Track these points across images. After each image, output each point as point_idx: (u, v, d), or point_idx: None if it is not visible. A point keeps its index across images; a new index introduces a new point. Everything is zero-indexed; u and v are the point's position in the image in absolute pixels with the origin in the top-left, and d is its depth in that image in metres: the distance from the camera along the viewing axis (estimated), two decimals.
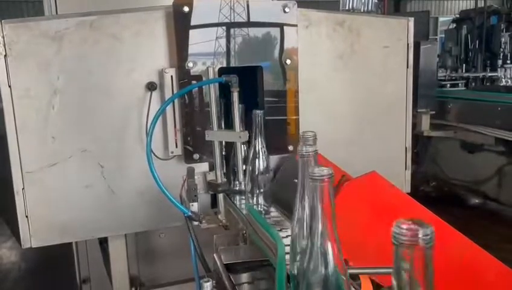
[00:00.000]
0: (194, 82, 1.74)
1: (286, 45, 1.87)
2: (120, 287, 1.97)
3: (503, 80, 5.33)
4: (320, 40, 1.98)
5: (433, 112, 4.79)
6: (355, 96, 2.09)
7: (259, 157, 1.46)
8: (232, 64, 1.81)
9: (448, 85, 5.48)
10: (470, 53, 5.91)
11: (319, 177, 0.71)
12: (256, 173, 1.46)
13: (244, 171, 1.61)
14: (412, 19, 2.15)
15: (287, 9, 1.84)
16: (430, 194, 5.36)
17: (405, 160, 2.22)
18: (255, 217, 1.19)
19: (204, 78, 1.73)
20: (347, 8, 3.09)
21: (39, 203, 1.69)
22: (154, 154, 1.65)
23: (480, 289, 1.20)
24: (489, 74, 5.56)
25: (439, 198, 5.17)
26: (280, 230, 1.29)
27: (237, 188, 1.66)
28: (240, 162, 1.63)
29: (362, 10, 3.03)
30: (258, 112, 1.49)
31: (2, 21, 1.59)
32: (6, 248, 4.49)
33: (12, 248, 4.43)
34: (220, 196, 1.63)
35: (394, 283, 0.54)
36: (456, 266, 1.18)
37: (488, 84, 5.56)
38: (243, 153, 1.64)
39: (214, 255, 1.29)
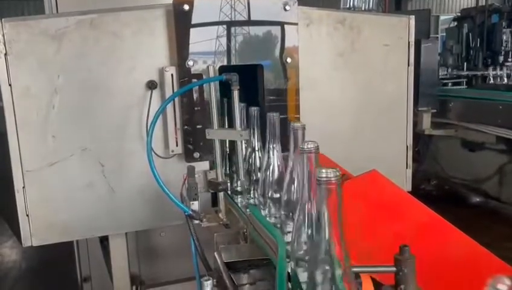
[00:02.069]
0: (194, 80, 1.74)
1: (287, 43, 1.87)
2: (120, 286, 1.97)
3: (492, 79, 5.32)
4: (321, 38, 1.98)
5: (434, 111, 4.78)
6: (355, 95, 2.08)
7: (255, 155, 1.47)
8: (233, 63, 1.81)
9: (450, 83, 5.47)
10: (471, 51, 5.90)
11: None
12: (253, 169, 1.47)
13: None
14: (412, 17, 2.14)
15: (287, 8, 1.83)
16: (431, 192, 5.35)
17: (406, 158, 2.21)
18: (256, 215, 1.19)
19: (204, 77, 1.73)
20: (348, 6, 3.10)
21: (39, 201, 1.69)
22: (154, 152, 1.64)
23: (481, 287, 1.20)
24: (478, 73, 5.55)
25: (440, 196, 5.17)
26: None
27: (239, 189, 1.64)
28: (241, 161, 1.62)
29: (363, 8, 3.03)
30: (254, 109, 1.48)
31: (2, 19, 1.58)
32: (7, 247, 4.50)
33: (13, 247, 4.44)
34: (221, 195, 1.62)
35: None
36: (456, 264, 1.17)
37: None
38: (243, 152, 1.63)
39: (215, 253, 1.29)
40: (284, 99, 1.90)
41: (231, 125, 1.67)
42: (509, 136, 4.23)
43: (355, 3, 3.16)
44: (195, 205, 1.44)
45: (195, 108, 1.78)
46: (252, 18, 1.82)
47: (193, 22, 1.73)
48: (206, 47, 1.77)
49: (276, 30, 1.85)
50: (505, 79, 5.27)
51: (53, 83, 1.65)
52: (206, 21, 1.76)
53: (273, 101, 1.88)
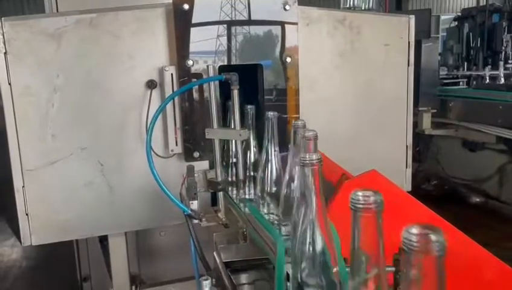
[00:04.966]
0: (194, 80, 1.74)
1: (286, 43, 1.86)
2: (120, 285, 1.97)
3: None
4: (321, 37, 1.97)
5: (435, 111, 4.79)
6: (355, 95, 2.08)
7: (272, 165, 1.27)
8: (234, 63, 1.81)
9: (450, 83, 5.47)
10: (472, 51, 5.90)
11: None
12: (269, 181, 1.27)
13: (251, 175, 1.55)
14: (412, 17, 2.14)
15: (287, 7, 1.83)
16: (431, 192, 5.34)
17: (406, 158, 2.21)
18: (255, 215, 1.19)
19: (204, 76, 1.73)
20: (348, 5, 3.09)
21: (39, 201, 1.69)
22: (154, 152, 1.64)
23: (480, 288, 1.19)
24: (478, 73, 5.55)
25: (440, 196, 5.16)
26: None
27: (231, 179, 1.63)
28: (240, 160, 1.61)
29: (363, 8, 3.03)
30: (271, 114, 1.27)
31: (2, 18, 1.58)
32: (8, 246, 4.50)
33: (14, 246, 4.44)
34: (220, 194, 1.62)
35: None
36: (456, 264, 1.17)
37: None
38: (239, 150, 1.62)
39: (214, 253, 1.29)
40: (283, 99, 1.89)
41: (231, 124, 1.67)
42: (509, 136, 4.24)
43: (355, 2, 3.17)
44: (194, 205, 1.44)
45: (195, 107, 1.78)
46: (252, 18, 1.81)
47: (194, 21, 1.73)
48: (207, 46, 1.77)
49: (276, 30, 1.85)
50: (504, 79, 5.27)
51: (52, 82, 1.65)
52: (206, 20, 1.76)
53: (273, 100, 1.88)
